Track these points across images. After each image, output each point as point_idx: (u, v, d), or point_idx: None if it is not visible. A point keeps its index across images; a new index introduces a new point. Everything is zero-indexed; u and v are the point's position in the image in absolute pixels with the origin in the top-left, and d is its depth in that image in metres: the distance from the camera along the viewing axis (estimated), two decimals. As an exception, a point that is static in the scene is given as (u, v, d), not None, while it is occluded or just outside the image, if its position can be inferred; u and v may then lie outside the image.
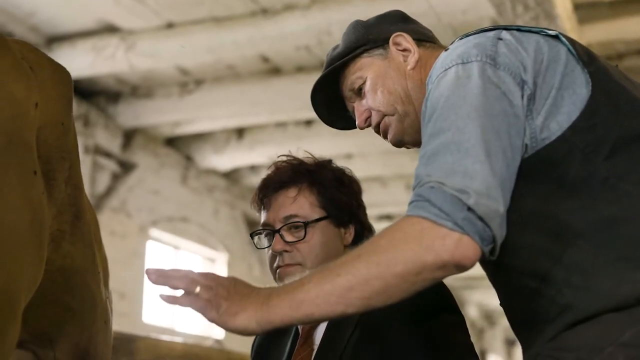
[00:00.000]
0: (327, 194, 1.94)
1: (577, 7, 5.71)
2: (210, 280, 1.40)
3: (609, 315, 1.31)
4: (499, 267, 1.47)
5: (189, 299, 1.39)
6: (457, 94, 1.39)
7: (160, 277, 1.42)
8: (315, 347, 1.87)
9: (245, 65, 6.75)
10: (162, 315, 8.36)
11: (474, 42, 1.46)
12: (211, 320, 1.37)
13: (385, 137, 1.76)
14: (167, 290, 1.43)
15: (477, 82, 1.38)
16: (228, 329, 1.36)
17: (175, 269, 1.43)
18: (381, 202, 9.59)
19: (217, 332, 8.93)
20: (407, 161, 8.60)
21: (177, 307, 1.44)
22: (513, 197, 1.35)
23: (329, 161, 2.03)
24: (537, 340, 1.42)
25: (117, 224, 7.73)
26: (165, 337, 4.67)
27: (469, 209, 1.26)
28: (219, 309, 1.36)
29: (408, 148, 1.78)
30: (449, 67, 1.44)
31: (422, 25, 1.84)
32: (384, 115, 1.72)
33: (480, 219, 1.26)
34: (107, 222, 7.51)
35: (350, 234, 1.96)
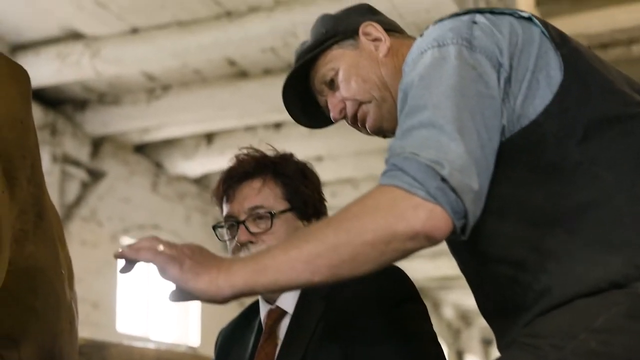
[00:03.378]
0: (291, 186, 1.93)
1: (539, 3, 5.77)
2: (173, 243, 1.34)
3: (582, 300, 1.31)
4: (474, 255, 1.46)
5: (151, 253, 1.30)
6: (433, 74, 1.38)
7: (125, 252, 1.33)
8: (280, 342, 1.86)
9: (212, 70, 6.73)
10: (136, 324, 8.30)
11: (449, 27, 1.45)
12: (172, 277, 1.29)
13: (362, 126, 1.73)
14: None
15: (454, 63, 1.38)
16: (188, 289, 1.29)
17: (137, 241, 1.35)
18: (353, 203, 9.57)
19: (191, 340, 8.90)
20: (378, 162, 8.52)
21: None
22: (490, 183, 1.34)
23: (291, 154, 2.02)
24: (512, 327, 1.42)
25: (88, 233, 7.67)
26: (138, 344, 4.64)
27: (443, 179, 1.24)
28: (182, 265, 1.29)
29: (385, 137, 1.75)
30: (425, 51, 1.43)
31: (388, 18, 1.83)
32: (360, 104, 1.70)
33: (453, 190, 1.24)
34: (78, 232, 7.45)
35: None
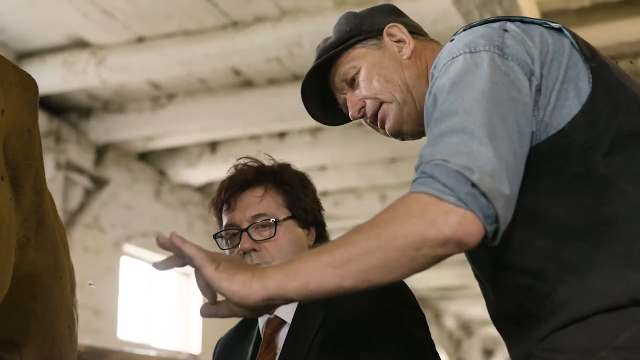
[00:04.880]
0: (292, 194, 1.94)
1: (544, 16, 5.78)
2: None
3: (602, 316, 1.30)
4: (492, 262, 1.46)
5: (195, 248, 1.34)
6: (464, 80, 1.38)
7: (174, 238, 1.37)
8: (278, 351, 1.86)
9: (217, 79, 6.74)
10: (137, 331, 8.30)
11: (481, 33, 1.46)
12: (208, 275, 1.32)
13: (382, 126, 1.73)
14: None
15: (486, 70, 1.38)
16: (221, 288, 1.32)
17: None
18: (356, 213, 9.58)
19: (192, 347, 8.89)
20: (381, 172, 8.61)
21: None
22: None
23: (289, 164, 2.03)
24: (526, 337, 1.41)
25: (91, 240, 7.66)
26: (139, 351, 4.64)
27: (473, 184, 1.24)
28: (218, 265, 1.32)
29: (404, 139, 1.76)
30: (457, 56, 1.43)
31: (412, 20, 1.83)
32: (382, 103, 1.70)
33: (484, 195, 1.24)
34: (80, 239, 7.45)
35: (312, 235, 1.97)
